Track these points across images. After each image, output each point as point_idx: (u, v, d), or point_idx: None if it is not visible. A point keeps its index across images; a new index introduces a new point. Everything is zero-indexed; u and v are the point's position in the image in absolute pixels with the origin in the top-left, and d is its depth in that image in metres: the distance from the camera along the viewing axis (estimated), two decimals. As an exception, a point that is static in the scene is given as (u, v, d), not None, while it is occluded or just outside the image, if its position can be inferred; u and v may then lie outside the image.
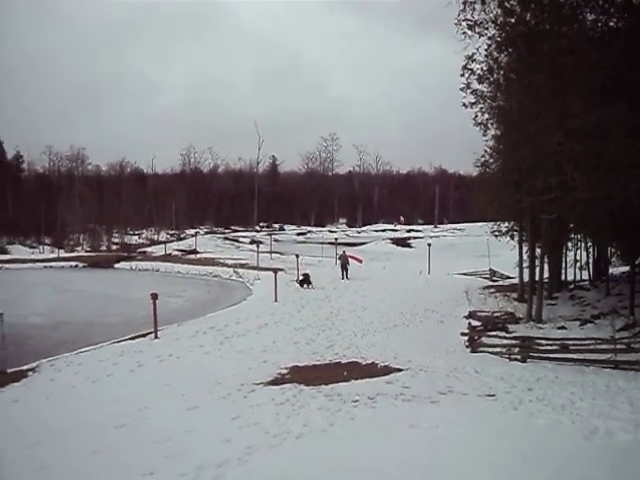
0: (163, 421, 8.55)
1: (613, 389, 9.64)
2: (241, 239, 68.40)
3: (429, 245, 39.17)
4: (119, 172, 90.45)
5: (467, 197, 53.85)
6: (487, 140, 23.24)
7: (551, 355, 13.36)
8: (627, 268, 22.22)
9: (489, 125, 21.22)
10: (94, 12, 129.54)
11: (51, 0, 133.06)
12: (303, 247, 55.87)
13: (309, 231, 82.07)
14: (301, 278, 28.70)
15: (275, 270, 27.84)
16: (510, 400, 8.38)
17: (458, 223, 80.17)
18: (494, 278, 33.03)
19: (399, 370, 11.61)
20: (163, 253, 48.46)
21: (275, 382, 11.29)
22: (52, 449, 7.45)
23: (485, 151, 24.34)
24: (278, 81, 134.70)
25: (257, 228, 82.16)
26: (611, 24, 16.10)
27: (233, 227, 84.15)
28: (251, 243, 62.17)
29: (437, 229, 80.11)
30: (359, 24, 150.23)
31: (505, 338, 15.74)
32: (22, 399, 10.99)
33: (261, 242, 53.06)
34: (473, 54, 17.52)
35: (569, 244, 26.63)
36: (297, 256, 33.73)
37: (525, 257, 23.72)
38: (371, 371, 11.90)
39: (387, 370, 11.80)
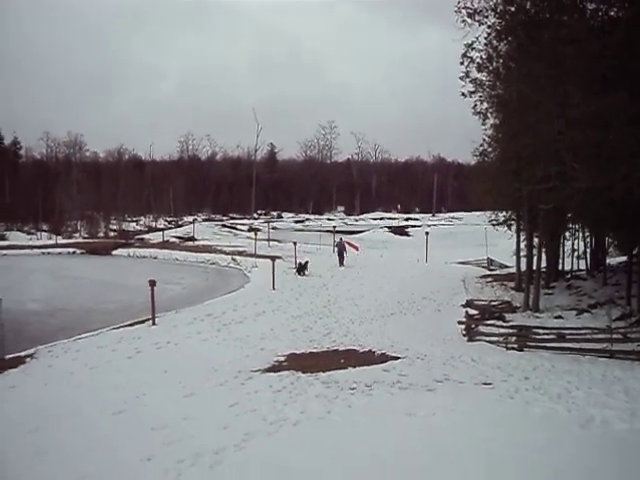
0: (160, 408, 8.57)
1: (609, 378, 9.69)
2: (239, 226, 68.29)
3: (427, 234, 39.16)
4: (117, 159, 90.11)
5: (465, 186, 53.87)
6: (486, 129, 23.19)
7: (548, 344, 13.39)
8: (624, 258, 22.26)
9: (488, 114, 21.17)
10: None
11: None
12: (301, 235, 55.75)
13: (307, 219, 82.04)
14: (298, 266, 28.70)
15: (273, 258, 27.80)
16: (507, 389, 8.42)
17: (456, 212, 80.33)
18: (491, 267, 33.12)
19: (396, 358, 11.65)
20: (161, 240, 48.28)
21: (272, 369, 11.33)
22: (50, 435, 7.49)
23: (484, 140, 24.29)
24: (277, 68, 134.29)
25: (255, 216, 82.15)
26: (612, 13, 15.98)
27: (231, 214, 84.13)
28: (249, 231, 62.11)
29: (435, 218, 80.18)
30: (359, 11, 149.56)
31: (502, 327, 15.79)
32: (20, 385, 11.01)
33: (259, 230, 52.96)
34: (473, 42, 17.49)
35: (567, 234, 26.71)
36: (295, 244, 33.73)
37: (522, 246, 23.78)
38: (368, 359, 11.94)
39: (384, 358, 11.84)
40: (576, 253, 27.49)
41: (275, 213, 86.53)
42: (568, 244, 27.46)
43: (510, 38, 17.33)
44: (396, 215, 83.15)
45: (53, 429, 7.76)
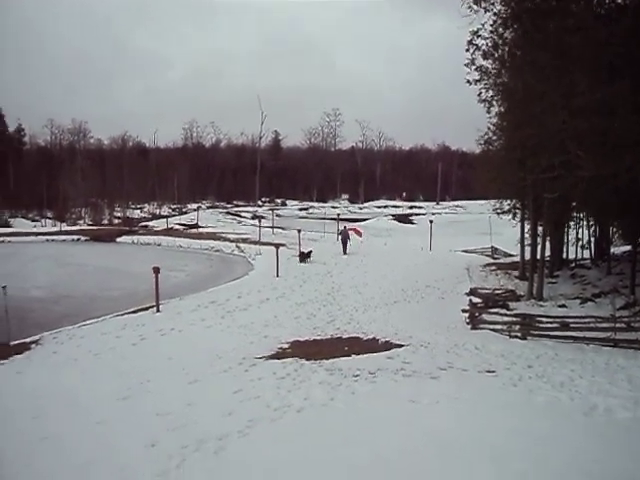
0: (164, 394, 8.60)
1: (612, 367, 9.69)
2: (243, 214, 68.35)
3: (431, 222, 39.02)
4: (121, 146, 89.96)
5: (470, 174, 53.83)
6: (491, 117, 23.03)
7: (551, 333, 13.41)
8: (629, 247, 22.19)
9: (493, 102, 21.00)
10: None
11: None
12: (305, 222, 55.72)
13: (311, 207, 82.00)
14: (300, 255, 28.69)
15: (277, 245, 27.84)
16: (510, 377, 8.43)
17: (460, 200, 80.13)
18: (495, 255, 33.03)
19: (400, 346, 11.67)
20: (165, 227, 48.40)
21: (276, 356, 11.35)
22: (55, 421, 7.53)
23: (489, 128, 24.20)
24: (281, 56, 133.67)
25: (259, 203, 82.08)
26: (619, 1, 15.84)
27: (235, 202, 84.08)
28: (253, 218, 62.14)
29: (439, 206, 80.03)
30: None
31: (506, 315, 15.83)
32: (25, 371, 11.07)
33: (263, 217, 52.94)
34: (478, 29, 17.37)
35: (571, 223, 26.61)
36: (299, 231, 33.72)
37: (527, 235, 23.71)
38: (372, 346, 11.97)
39: (388, 345, 11.87)
40: (580, 242, 27.42)
41: (279, 201, 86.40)
42: (572, 233, 27.35)
43: (516, 26, 17.20)
44: (400, 203, 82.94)
45: (57, 415, 7.80)
